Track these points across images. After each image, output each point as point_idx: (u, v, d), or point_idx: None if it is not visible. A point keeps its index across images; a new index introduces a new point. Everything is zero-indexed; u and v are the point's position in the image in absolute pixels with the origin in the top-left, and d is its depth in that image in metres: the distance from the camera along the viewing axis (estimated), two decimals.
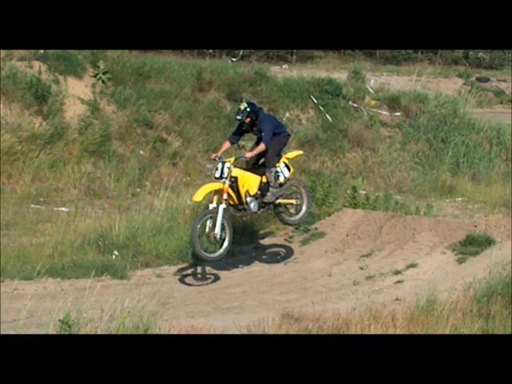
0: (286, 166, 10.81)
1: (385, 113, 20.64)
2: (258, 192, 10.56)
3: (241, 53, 30.61)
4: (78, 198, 14.54)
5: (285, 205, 11.01)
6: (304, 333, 6.87)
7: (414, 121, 20.42)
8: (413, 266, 10.70)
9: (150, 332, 6.09)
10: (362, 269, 10.89)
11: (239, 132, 10.83)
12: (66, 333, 5.78)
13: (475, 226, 11.47)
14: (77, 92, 16.77)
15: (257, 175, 10.55)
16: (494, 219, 12.14)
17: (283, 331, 6.89)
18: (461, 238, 11.06)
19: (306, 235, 12.00)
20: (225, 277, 10.82)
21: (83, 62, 17.34)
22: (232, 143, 10.91)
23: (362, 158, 18.76)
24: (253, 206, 10.50)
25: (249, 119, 10.51)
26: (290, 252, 11.73)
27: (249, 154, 10.47)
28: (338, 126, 19.36)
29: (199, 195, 10.17)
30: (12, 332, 6.06)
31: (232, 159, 10.31)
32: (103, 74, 17.29)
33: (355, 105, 20.35)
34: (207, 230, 10.12)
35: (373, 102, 20.70)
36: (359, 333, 6.59)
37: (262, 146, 10.43)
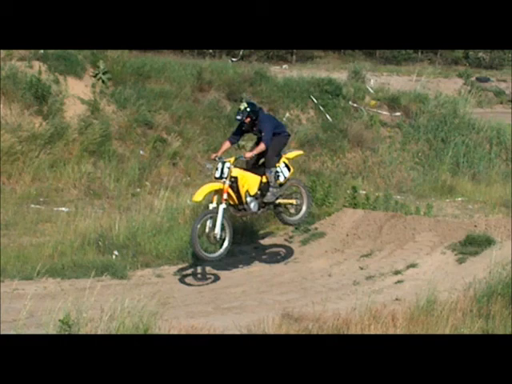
0: (286, 165, 10.81)
1: (385, 113, 20.64)
2: (258, 192, 10.56)
3: (241, 53, 30.61)
4: (78, 198, 14.54)
5: (285, 205, 11.01)
6: (304, 333, 6.87)
7: (414, 121, 20.42)
8: (413, 265, 10.70)
9: (149, 332, 6.09)
10: (361, 269, 10.89)
11: (239, 132, 10.83)
12: (66, 333, 5.78)
13: (475, 226, 11.47)
14: (77, 92, 16.77)
15: (257, 175, 10.55)
16: (493, 219, 12.14)
17: (283, 331, 6.89)
18: (461, 238, 11.06)
19: (305, 235, 12.00)
20: (225, 277, 10.82)
21: (83, 62, 17.34)
22: (232, 143, 10.91)
23: (362, 158, 18.76)
24: (253, 206, 10.50)
25: (249, 119, 10.51)
26: (289, 252, 11.73)
27: (249, 154, 10.47)
28: (338, 126, 19.36)
29: (199, 195, 10.17)
30: (12, 332, 6.06)
31: (232, 159, 10.31)
32: (103, 73, 17.29)
33: (355, 105, 20.35)
34: (207, 230, 10.12)
35: (373, 102, 20.70)
36: (359, 333, 6.59)
37: (261, 146, 10.43)
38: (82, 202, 14.10)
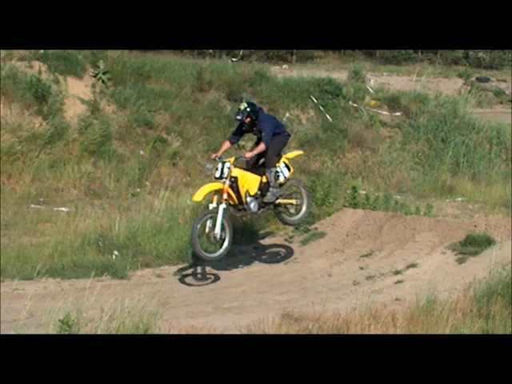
0: (286, 165, 10.81)
1: (385, 113, 20.64)
2: (258, 192, 10.56)
3: (241, 53, 30.60)
4: (78, 198, 14.54)
5: (285, 205, 11.01)
6: (304, 333, 6.87)
7: (414, 121, 20.42)
8: (413, 265, 10.70)
9: (149, 332, 6.09)
10: (361, 269, 10.89)
11: (239, 132, 10.83)
12: (66, 333, 5.78)
13: (475, 226, 11.47)
14: (77, 92, 16.77)
15: (257, 175, 10.55)
16: (493, 219, 12.14)
17: (283, 331, 6.89)
18: (461, 238, 11.06)
19: (305, 235, 12.00)
20: (225, 277, 10.82)
21: (83, 62, 17.34)
22: (232, 143, 10.91)
23: (362, 157, 18.76)
24: (253, 206, 10.50)
25: (249, 119, 10.51)
26: (289, 252, 11.73)
27: (249, 154, 10.47)
28: (338, 126, 19.36)
29: (199, 195, 10.17)
30: (12, 332, 6.06)
31: (232, 159, 10.31)
32: (103, 74, 17.28)
33: (355, 105, 20.35)
34: (207, 230, 10.12)
35: (373, 102, 20.70)
36: (359, 333, 6.59)
37: (261, 146, 10.43)
38: (81, 202, 14.10)
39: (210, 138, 17.40)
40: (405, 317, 7.07)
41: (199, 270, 10.99)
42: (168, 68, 18.65)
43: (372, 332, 6.57)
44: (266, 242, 12.11)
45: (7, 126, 15.24)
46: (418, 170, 18.94)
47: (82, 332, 5.83)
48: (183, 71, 18.78)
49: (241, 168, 10.47)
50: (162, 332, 6.35)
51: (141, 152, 16.53)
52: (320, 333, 6.84)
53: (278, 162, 10.71)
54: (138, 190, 15.30)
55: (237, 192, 10.31)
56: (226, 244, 10.26)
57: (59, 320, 5.85)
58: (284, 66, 32.63)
